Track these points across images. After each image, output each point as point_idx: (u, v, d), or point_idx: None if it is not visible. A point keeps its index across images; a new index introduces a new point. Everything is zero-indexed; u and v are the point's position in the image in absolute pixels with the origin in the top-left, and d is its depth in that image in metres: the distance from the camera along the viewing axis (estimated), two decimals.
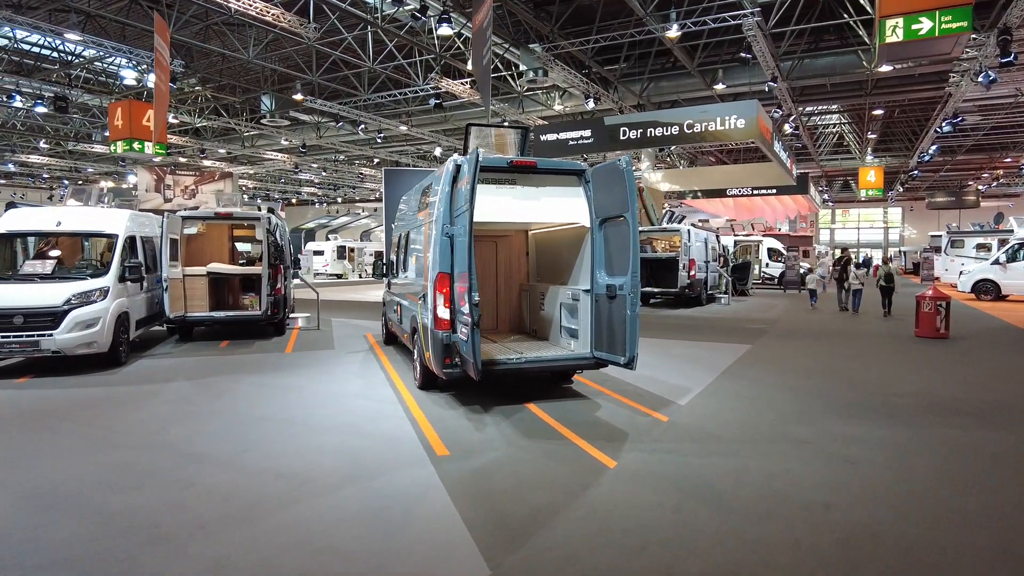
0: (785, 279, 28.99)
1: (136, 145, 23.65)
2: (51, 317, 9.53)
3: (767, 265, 31.26)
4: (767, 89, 21.16)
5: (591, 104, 23.21)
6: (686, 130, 17.60)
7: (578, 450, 5.87)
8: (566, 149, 19.58)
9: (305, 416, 7.10)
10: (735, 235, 31.22)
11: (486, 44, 13.15)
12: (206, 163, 40.39)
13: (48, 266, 10.39)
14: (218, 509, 4.57)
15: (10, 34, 22.13)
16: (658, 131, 18.13)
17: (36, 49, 23.98)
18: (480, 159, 7.28)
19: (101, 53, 21.94)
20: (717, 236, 24.00)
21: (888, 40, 11.21)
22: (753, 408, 7.48)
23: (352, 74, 25.82)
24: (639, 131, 18.44)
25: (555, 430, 6.50)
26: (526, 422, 6.80)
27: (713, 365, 10.19)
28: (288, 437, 6.33)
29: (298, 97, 25.16)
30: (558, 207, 7.77)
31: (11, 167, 42.41)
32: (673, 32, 17.30)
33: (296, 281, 16.29)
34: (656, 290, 21.01)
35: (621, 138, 18.66)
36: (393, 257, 11.45)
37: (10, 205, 11.65)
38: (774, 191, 32.57)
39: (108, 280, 10.32)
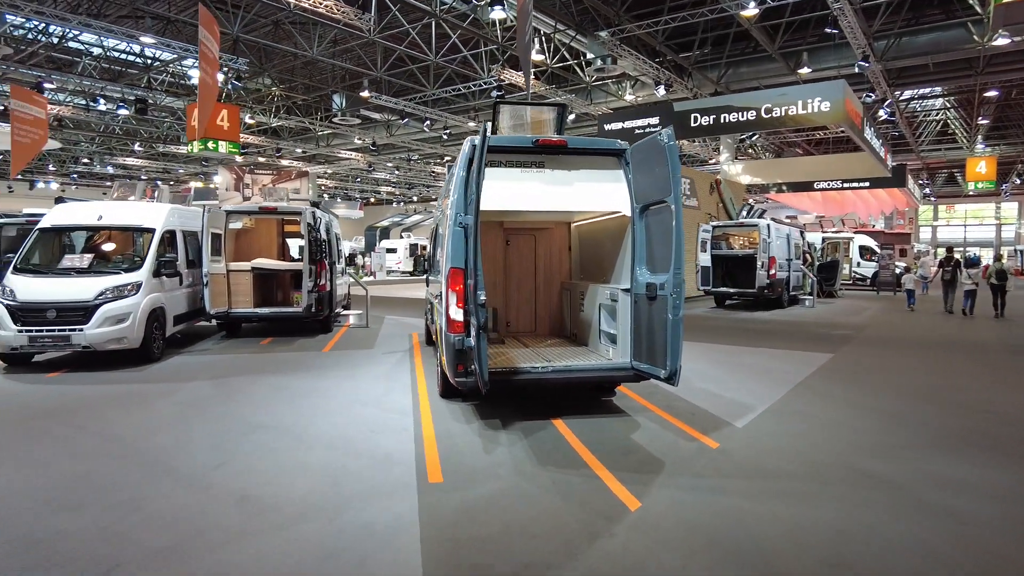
0: (878, 279, 26.38)
1: (211, 144, 24.15)
2: (82, 312, 9.37)
3: (858, 264, 28.61)
4: (857, 70, 19.09)
5: (661, 91, 21.76)
6: (763, 115, 15.98)
7: (598, 484, 4.84)
8: (632, 138, 18.25)
9: (304, 426, 6.41)
10: (823, 231, 28.73)
11: (528, 19, 12.25)
12: (283, 162, 41.42)
13: (85, 260, 10.29)
14: (149, 543, 3.87)
15: (102, 43, 23.12)
16: (732, 117, 16.57)
17: (123, 56, 24.99)
18: (493, 138, 6.40)
19: (175, 55, 22.50)
20: (801, 232, 21.97)
21: None
22: (827, 435, 6.17)
23: (417, 69, 25.45)
24: (711, 117, 16.93)
25: (577, 455, 5.49)
26: (546, 443, 5.82)
27: (785, 378, 8.82)
28: (274, 451, 5.63)
29: (364, 94, 25.01)
30: (595, 193, 6.73)
31: (110, 169, 45.03)
32: (750, 10, 15.74)
33: (344, 279, 15.87)
34: (732, 290, 19.39)
35: (692, 125, 17.21)
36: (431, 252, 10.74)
37: (59, 200, 11.71)
38: (867, 184, 29.79)
39: (141, 275, 10.09)
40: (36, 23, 20.86)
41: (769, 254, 18.31)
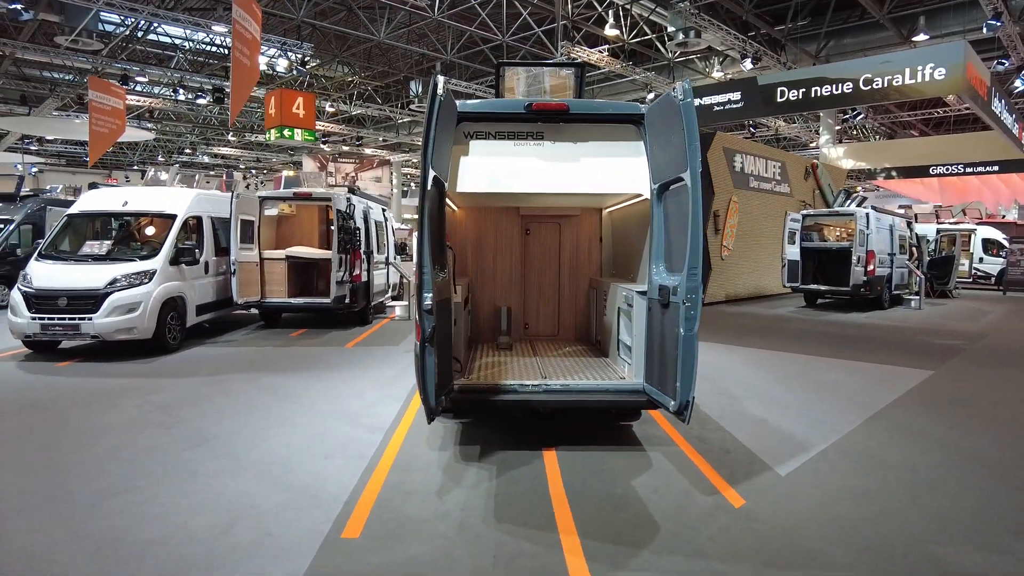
0: (1005, 278, 22.86)
1: (287, 132, 24.23)
2: (92, 300, 9.04)
3: (981, 260, 24.97)
4: (987, 32, 16.26)
5: (748, 65, 19.59)
6: (862, 86, 13.72)
7: (554, 559, 3.59)
8: (710, 116, 16.46)
9: (254, 443, 5.54)
10: (939, 223, 25.28)
11: None
12: (367, 151, 41.76)
13: (104, 247, 10.00)
14: None
15: (185, 35, 23.69)
16: (825, 90, 14.39)
17: (203, 46, 25.57)
18: (472, 103, 5.25)
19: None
20: (909, 223, 19.18)
21: None
22: (903, 498, 4.58)
23: (489, 50, 24.48)
24: (800, 91, 14.81)
25: (550, 509, 4.25)
26: (519, 486, 4.62)
27: (864, 402, 7.10)
28: (194, 477, 4.78)
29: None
30: (607, 171, 5.39)
31: (205, 158, 47.24)
32: None
33: (387, 268, 15.15)
34: (823, 288, 17.14)
35: (778, 99, 15.17)
36: None
37: (92, 186, 11.60)
38: (995, 168, 25.93)
39: (156, 263, 9.68)
40: (123, 18, 21.56)
41: (868, 247, 15.95)
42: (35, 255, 9.93)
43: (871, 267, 16.02)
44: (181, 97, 25.71)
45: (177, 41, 24.44)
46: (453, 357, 5.71)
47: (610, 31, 20.14)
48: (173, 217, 10.40)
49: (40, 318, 8.98)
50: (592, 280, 7.64)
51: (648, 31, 21.55)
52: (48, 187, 23.47)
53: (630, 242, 6.63)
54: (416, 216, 4.89)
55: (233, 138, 40.77)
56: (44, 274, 9.34)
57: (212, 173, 56.56)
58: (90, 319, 8.95)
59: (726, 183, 17.55)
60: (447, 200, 6.93)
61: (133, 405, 6.78)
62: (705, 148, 16.55)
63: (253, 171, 52.07)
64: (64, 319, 8.98)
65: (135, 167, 48.64)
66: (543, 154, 5.39)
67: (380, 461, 5.12)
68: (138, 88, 27.27)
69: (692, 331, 4.23)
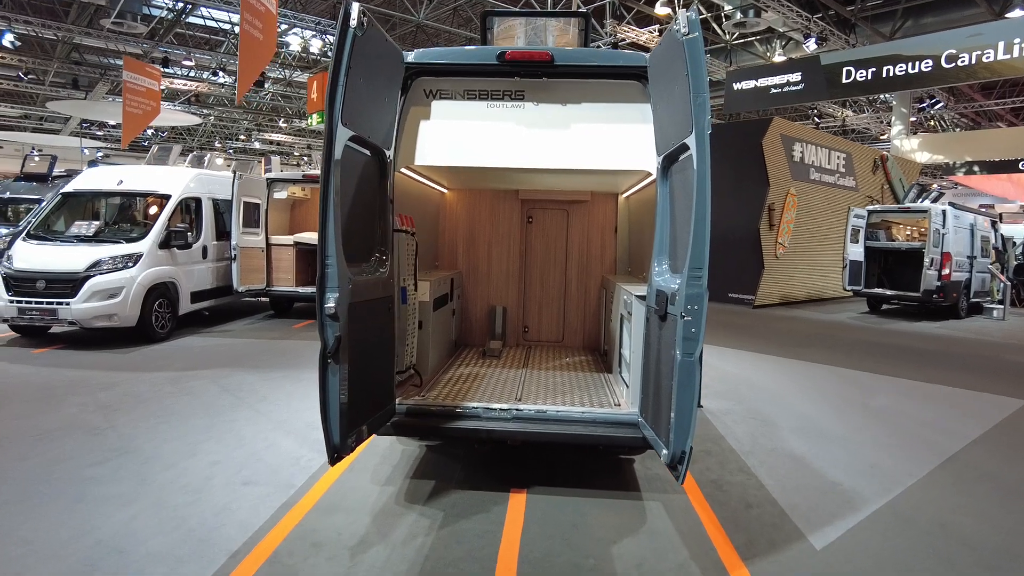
0: None
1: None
2: (71, 284, 8.44)
3: None
4: None
5: (811, 46, 17.80)
6: (944, 64, 11.97)
7: None
8: (766, 99, 14.91)
9: (175, 459, 4.67)
10: None
11: None
12: None
13: (92, 228, 9.41)
14: None
15: (229, 18, 23.42)
16: (900, 69, 12.67)
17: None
18: (426, 51, 4.18)
19: (287, 26, 22.14)
20: (994, 223, 17.06)
21: None
22: None
23: None
24: (870, 70, 13.12)
25: None
26: (462, 549, 3.56)
27: (935, 439, 5.72)
28: (79, 502, 3.94)
29: None
30: (606, 141, 4.25)
31: (257, 144, 47.68)
32: None
33: None
34: (889, 292, 15.36)
35: (844, 81, 13.52)
36: None
37: (91, 164, 11.08)
38: None
39: (142, 246, 9.02)
40: (173, 2, 21.42)
41: (943, 248, 14.11)
42: (23, 234, 9.43)
43: (946, 271, 14.18)
44: (222, 80, 25.47)
45: (225, 26, 24.20)
46: (409, 369, 4.70)
47: (661, 10, 18.66)
48: (167, 198, 9.73)
49: (18, 301, 8.44)
50: (604, 278, 6.49)
51: (703, 10, 19.95)
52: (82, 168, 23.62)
53: (648, 234, 5.45)
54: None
55: (284, 124, 40.89)
56: (25, 255, 8.81)
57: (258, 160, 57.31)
58: (67, 304, 8.35)
59: (783, 174, 15.91)
60: (430, 181, 5.91)
61: (78, 403, 6.05)
62: (760, 135, 14.96)
63: (306, 158, 52.40)
64: (41, 303, 8.41)
65: (193, 152, 49.63)
66: (524, 119, 4.28)
67: (307, 493, 4.16)
68: (191, 74, 27.27)
69: (692, 355, 3.08)
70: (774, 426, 5.95)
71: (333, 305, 3.13)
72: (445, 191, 6.57)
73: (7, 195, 14.93)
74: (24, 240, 9.19)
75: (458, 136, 4.28)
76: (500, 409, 4.18)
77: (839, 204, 17.83)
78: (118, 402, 6.12)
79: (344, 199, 3.34)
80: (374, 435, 3.86)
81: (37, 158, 15.46)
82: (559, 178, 5.71)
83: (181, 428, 5.40)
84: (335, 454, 3.24)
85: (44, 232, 9.45)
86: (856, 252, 15.48)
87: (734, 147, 14.81)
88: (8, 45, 21.38)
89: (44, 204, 10.02)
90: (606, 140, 4.25)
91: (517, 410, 4.17)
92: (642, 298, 4.07)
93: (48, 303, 8.40)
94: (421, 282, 4.99)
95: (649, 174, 4.52)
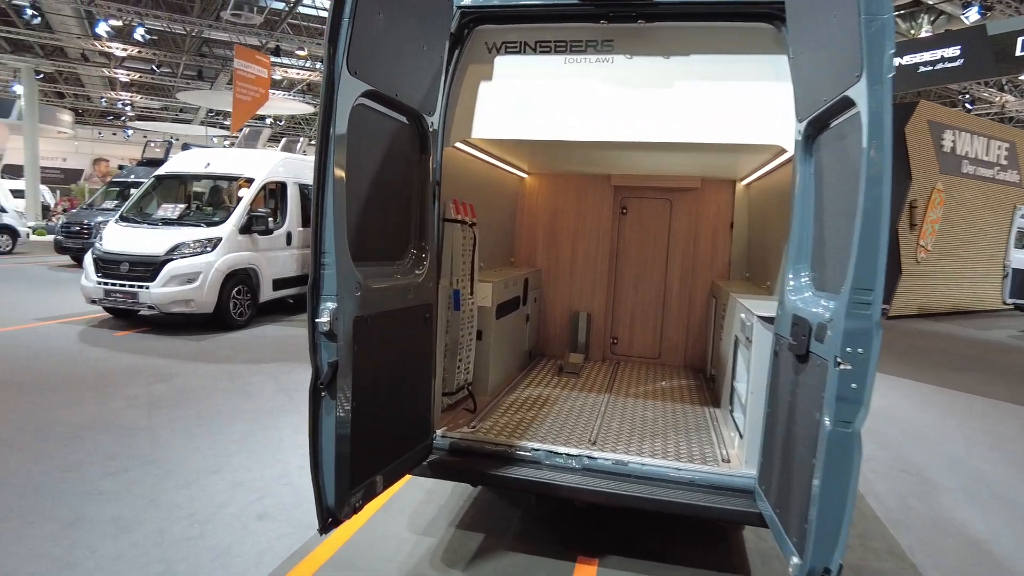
0: None
1: None
2: (151, 267, 8.31)
3: None
4: None
5: (972, 16, 15.26)
6: None
7: None
8: (913, 79, 12.83)
9: (196, 473, 4.09)
10: None
11: None
12: None
13: (176, 211, 9.30)
14: None
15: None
16: None
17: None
18: None
19: None
20: None
21: None
22: None
23: None
24: None
25: None
26: None
27: None
28: (72, 526, 3.40)
29: None
30: (723, 104, 3.15)
31: None
32: None
33: None
34: None
35: (1016, 53, 11.28)
36: None
37: (186, 147, 11.10)
38: None
39: (222, 230, 8.77)
40: None
41: None
42: (115, 217, 9.48)
43: None
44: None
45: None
46: (463, 390, 3.84)
47: None
48: (250, 182, 9.47)
49: (104, 283, 8.41)
50: (714, 284, 5.33)
51: None
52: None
53: (775, 232, 4.27)
54: None
55: None
56: (114, 237, 8.82)
57: None
58: (147, 288, 8.22)
59: (929, 166, 13.71)
60: (504, 163, 4.99)
61: (128, 395, 5.71)
62: (903, 120, 12.90)
63: None
64: (124, 286, 8.34)
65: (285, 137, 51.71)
66: (614, 77, 3.26)
67: (327, 538, 3.40)
68: (305, 64, 27.95)
69: (851, 426, 1.98)
70: (933, 485, 4.59)
71: (328, 319, 2.29)
72: (524, 176, 5.65)
73: (131, 178, 15.60)
74: (116, 222, 9.23)
75: (527, 101, 3.33)
76: (567, 455, 3.22)
77: (998, 202, 15.26)
78: (168, 397, 5.71)
79: (357, 175, 2.50)
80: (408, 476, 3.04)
81: (155, 145, 16.07)
82: (661, 158, 4.61)
83: (217, 435, 4.85)
84: (328, 519, 2.41)
85: (134, 214, 9.46)
86: (1021, 259, 13.11)
87: None
88: (140, 39, 22.63)
89: (142, 187, 10.08)
90: (724, 105, 3.15)
91: (590, 458, 3.19)
92: (769, 321, 2.96)
93: (130, 286, 8.31)
94: (481, 283, 4.11)
95: (782, 150, 3.38)
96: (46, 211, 27.82)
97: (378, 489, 2.68)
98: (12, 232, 17.78)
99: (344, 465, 2.40)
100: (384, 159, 2.77)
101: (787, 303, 2.65)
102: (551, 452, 3.25)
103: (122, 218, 9.33)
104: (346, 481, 2.42)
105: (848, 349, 2.00)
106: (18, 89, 27.75)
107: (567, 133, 3.32)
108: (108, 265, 8.47)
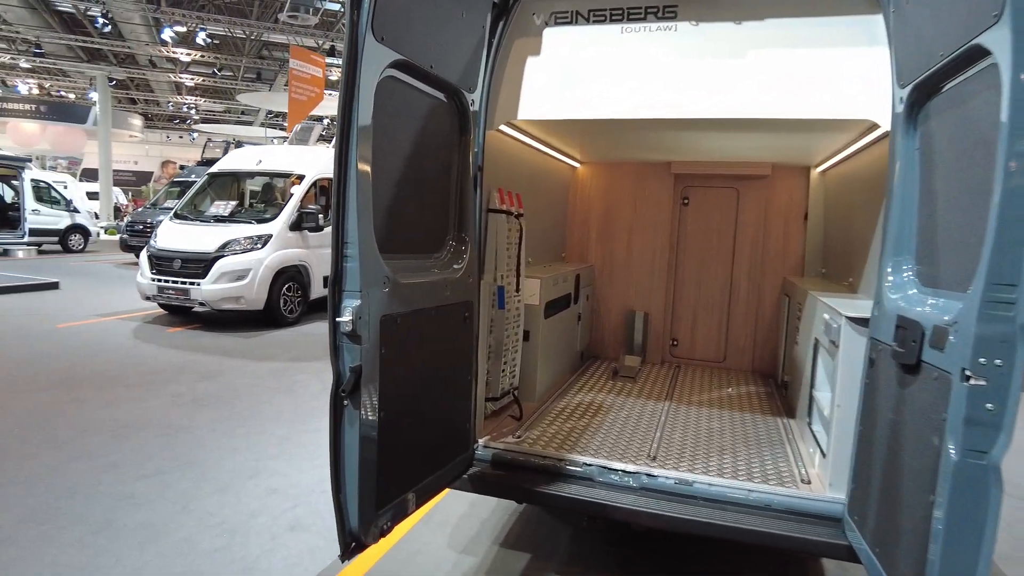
0: None
1: None
2: (202, 264, 8.34)
3: None
4: None
5: None
6: None
7: None
8: None
9: (231, 479, 3.92)
10: None
11: None
12: None
13: (228, 208, 9.33)
14: None
15: None
16: None
17: None
18: None
19: None
20: None
21: None
22: None
23: None
24: None
25: None
26: None
27: None
28: (85, 543, 3.24)
29: None
30: (803, 74, 2.72)
31: None
32: None
33: None
34: None
35: None
36: None
37: (238, 145, 11.18)
38: None
39: (273, 227, 8.74)
40: None
41: None
42: (169, 215, 9.60)
43: None
44: None
45: None
46: (507, 395, 3.54)
47: None
48: (301, 179, 9.43)
49: (157, 280, 8.50)
50: (786, 281, 4.85)
51: None
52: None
53: (858, 221, 3.78)
54: None
55: None
56: (168, 234, 8.90)
57: None
58: (199, 284, 8.25)
59: None
60: (555, 151, 4.65)
61: (172, 393, 5.65)
62: None
63: None
64: (176, 283, 8.39)
65: None
66: (678, 47, 2.88)
67: (361, 555, 3.14)
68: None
69: (987, 456, 1.58)
70: None
71: (351, 318, 2.01)
72: (576, 165, 5.29)
73: (191, 178, 15.98)
74: (170, 220, 9.33)
75: (579, 77, 2.99)
76: (624, 472, 2.87)
77: None
78: (213, 395, 5.62)
79: (385, 157, 2.22)
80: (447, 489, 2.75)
81: (214, 145, 16.44)
82: (727, 141, 4.17)
83: (258, 436, 4.70)
84: (351, 544, 2.14)
85: (188, 212, 9.55)
86: None
87: None
88: (202, 43, 23.31)
89: (196, 184, 10.20)
90: (805, 75, 2.73)
91: (649, 476, 2.83)
92: (861, 323, 2.54)
93: (182, 283, 8.36)
94: (528, 279, 3.79)
95: (868, 130, 2.95)
96: (118, 212, 29.03)
97: (410, 508, 2.39)
98: (84, 232, 18.54)
99: (369, 482, 2.12)
100: (417, 140, 2.49)
101: (886, 302, 2.23)
102: (605, 468, 2.90)
103: (176, 215, 9.43)
104: (372, 500, 2.14)
105: (982, 360, 1.59)
106: (94, 96, 29.05)
107: (625, 111, 2.95)
108: (162, 262, 8.56)
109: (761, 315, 5.13)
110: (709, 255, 5.21)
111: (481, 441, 3.09)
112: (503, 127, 3.27)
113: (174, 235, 8.81)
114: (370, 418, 2.11)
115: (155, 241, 8.86)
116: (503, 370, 3.56)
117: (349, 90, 2.01)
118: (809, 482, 2.89)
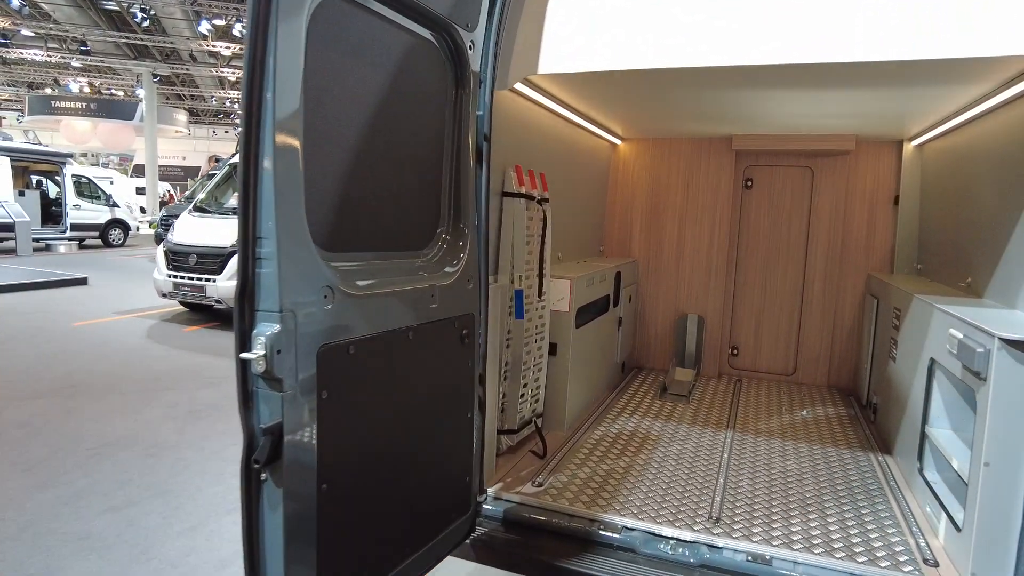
0: None
1: None
2: (218, 260, 7.87)
3: None
4: None
5: None
6: None
7: None
8: None
9: (196, 508, 3.32)
10: None
11: None
12: None
13: None
14: None
15: None
16: None
17: None
18: None
19: None
20: None
21: None
22: None
23: None
24: None
25: None
26: None
27: None
28: None
29: None
30: (920, 15, 1.92)
31: None
32: None
33: None
34: None
35: None
36: None
37: None
38: None
39: None
40: None
41: None
42: (189, 208, 9.18)
43: None
44: None
45: None
46: (528, 426, 2.84)
47: None
48: None
49: (173, 276, 8.07)
50: (873, 280, 3.99)
51: None
52: None
53: (983, 207, 2.92)
54: None
55: None
56: (185, 228, 8.46)
57: None
58: (214, 281, 7.79)
59: None
60: (592, 124, 3.88)
61: (169, 403, 5.15)
62: None
63: None
64: (192, 279, 7.95)
65: None
66: None
67: None
68: None
69: None
70: None
71: (263, 353, 1.34)
72: (617, 142, 4.51)
73: (226, 170, 15.73)
74: (188, 213, 8.91)
75: (617, 15, 2.24)
76: (677, 541, 2.13)
77: None
78: (210, 405, 5.09)
79: (327, 114, 1.53)
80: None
81: None
82: (803, 105, 3.32)
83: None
84: None
85: (208, 205, 9.11)
86: None
87: None
88: (238, 35, 23.13)
89: (216, 176, 9.76)
90: (921, 14, 1.93)
91: (711, 548, 2.10)
92: (1017, 344, 1.74)
93: (198, 279, 7.91)
94: (555, 280, 3.07)
95: (991, 92, 2.13)
96: (163, 206, 29.40)
97: None
98: (124, 226, 18.57)
99: None
100: (388, 94, 1.78)
101: None
102: (652, 535, 2.17)
103: (196, 208, 9.00)
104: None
105: None
106: (141, 93, 29.40)
107: (678, 58, 2.19)
108: (177, 257, 8.12)
109: (840, 319, 4.28)
110: (777, 248, 4.38)
111: (491, 491, 2.40)
112: (520, 86, 2.55)
113: (191, 229, 8.37)
114: (302, 494, 1.43)
115: (171, 235, 8.44)
116: (522, 395, 2.84)
117: (261, 11, 1.32)
118: (936, 564, 2.09)
